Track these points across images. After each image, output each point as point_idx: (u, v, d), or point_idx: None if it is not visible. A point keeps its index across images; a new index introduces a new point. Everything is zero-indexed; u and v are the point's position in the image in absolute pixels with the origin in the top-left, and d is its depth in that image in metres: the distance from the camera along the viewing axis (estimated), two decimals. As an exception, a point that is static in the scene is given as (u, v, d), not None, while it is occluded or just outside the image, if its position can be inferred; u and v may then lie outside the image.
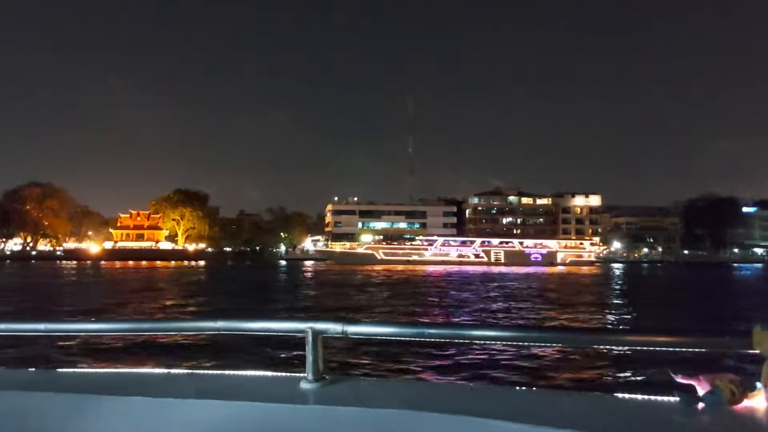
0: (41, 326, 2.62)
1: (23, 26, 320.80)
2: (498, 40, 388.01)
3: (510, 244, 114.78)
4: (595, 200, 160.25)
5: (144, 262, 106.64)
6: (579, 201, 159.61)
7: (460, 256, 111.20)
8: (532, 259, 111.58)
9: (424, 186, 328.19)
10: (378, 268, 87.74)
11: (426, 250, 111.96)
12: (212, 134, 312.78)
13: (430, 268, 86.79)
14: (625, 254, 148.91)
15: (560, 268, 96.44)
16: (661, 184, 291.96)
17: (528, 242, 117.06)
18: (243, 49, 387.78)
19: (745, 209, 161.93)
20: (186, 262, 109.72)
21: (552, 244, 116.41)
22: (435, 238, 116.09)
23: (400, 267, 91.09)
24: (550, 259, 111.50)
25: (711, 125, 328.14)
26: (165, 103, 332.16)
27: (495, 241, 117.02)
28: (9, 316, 19.59)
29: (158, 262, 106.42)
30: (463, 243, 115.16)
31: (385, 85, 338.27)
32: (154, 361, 13.16)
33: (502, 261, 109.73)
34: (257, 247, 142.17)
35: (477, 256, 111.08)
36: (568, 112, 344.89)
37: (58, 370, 2.65)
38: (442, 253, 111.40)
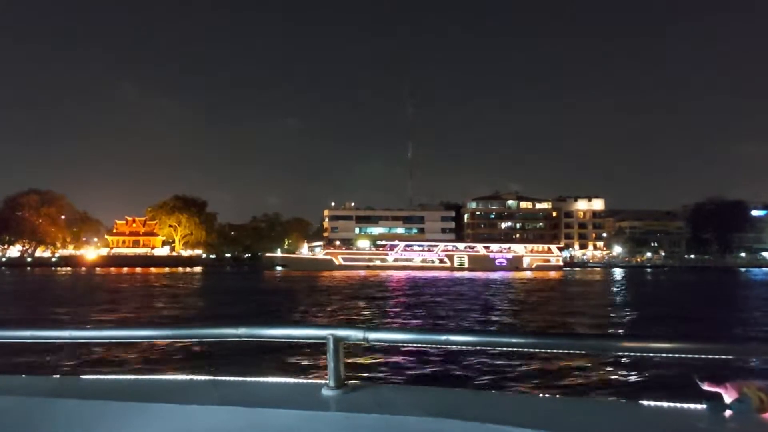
0: (66, 333, 2.65)
1: (22, 32, 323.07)
2: (500, 43, 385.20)
3: (474, 249, 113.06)
4: (598, 204, 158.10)
5: (138, 269, 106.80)
6: (582, 205, 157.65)
7: (424, 261, 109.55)
8: (497, 264, 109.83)
9: (428, 190, 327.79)
10: (337, 274, 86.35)
11: (387, 255, 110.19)
12: (220, 140, 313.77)
13: (391, 274, 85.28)
14: (626, 259, 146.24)
15: (527, 273, 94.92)
16: (671, 188, 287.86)
17: (494, 246, 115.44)
18: (244, 55, 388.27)
19: (754, 213, 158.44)
20: (181, 269, 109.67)
21: (518, 249, 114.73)
22: (396, 243, 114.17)
23: (362, 272, 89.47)
24: (515, 263, 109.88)
25: (723, 128, 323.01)
26: (174, 109, 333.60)
27: (461, 245, 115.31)
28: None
29: (152, 269, 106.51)
30: (427, 247, 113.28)
31: (387, 89, 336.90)
32: (177, 367, 13.20)
33: (466, 266, 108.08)
34: (258, 253, 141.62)
35: (441, 261, 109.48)
36: (578, 116, 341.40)
37: (82, 376, 2.71)
38: (404, 258, 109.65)
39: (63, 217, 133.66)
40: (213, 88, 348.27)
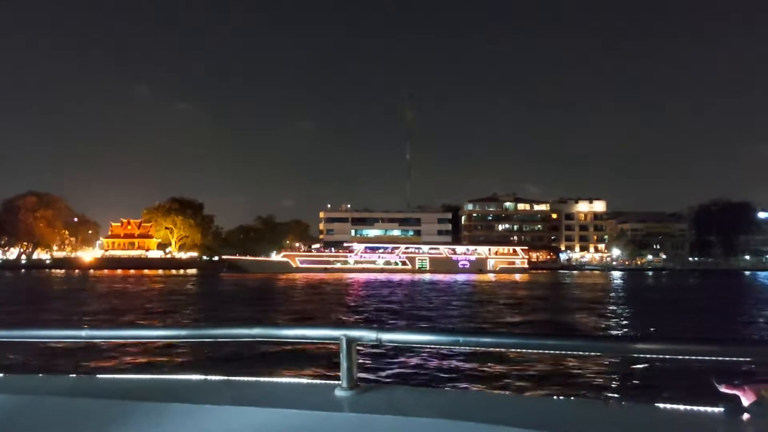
0: (83, 333, 2.72)
1: (22, 33, 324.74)
2: (501, 44, 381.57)
3: (437, 251, 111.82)
4: (599, 206, 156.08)
5: (132, 271, 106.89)
6: (583, 207, 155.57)
7: (387, 263, 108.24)
8: (460, 266, 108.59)
9: (428, 192, 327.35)
10: (296, 276, 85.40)
11: (347, 257, 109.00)
12: (230, 142, 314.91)
13: (349, 276, 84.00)
14: (626, 261, 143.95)
15: (490, 276, 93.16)
16: (681, 190, 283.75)
17: (460, 248, 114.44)
18: (245, 57, 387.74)
19: (761, 215, 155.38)
20: (174, 271, 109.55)
21: (483, 251, 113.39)
22: (355, 245, 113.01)
23: (325, 276, 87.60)
24: (479, 266, 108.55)
25: (732, 129, 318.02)
26: (181, 111, 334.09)
27: (425, 247, 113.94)
28: None
29: (146, 271, 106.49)
30: (388, 249, 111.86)
31: (387, 90, 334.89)
32: (191, 367, 13.30)
33: (427, 268, 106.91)
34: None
35: (404, 263, 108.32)
36: (581, 117, 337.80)
37: (98, 376, 2.79)
38: (365, 260, 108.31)
39: (60, 219, 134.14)
40: (215, 90, 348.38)
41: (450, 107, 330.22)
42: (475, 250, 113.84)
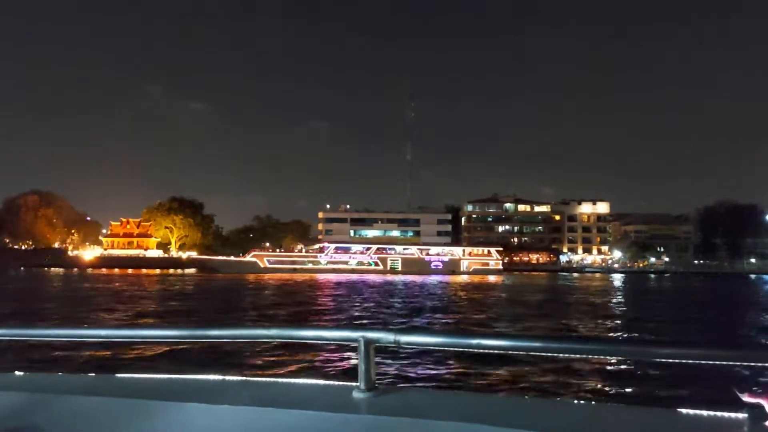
0: (102, 332, 2.77)
1: (23, 34, 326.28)
2: (502, 44, 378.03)
3: (409, 251, 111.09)
4: (603, 207, 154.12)
5: (130, 270, 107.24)
6: (586, 208, 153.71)
7: (360, 263, 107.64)
8: (433, 267, 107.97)
9: (429, 193, 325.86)
10: (265, 276, 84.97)
11: (315, 257, 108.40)
12: (235, 141, 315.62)
13: (320, 277, 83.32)
14: (627, 264, 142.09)
15: (463, 277, 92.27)
16: (686, 191, 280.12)
17: (434, 249, 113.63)
18: (245, 58, 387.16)
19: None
20: (172, 270, 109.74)
21: (457, 252, 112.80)
22: (326, 245, 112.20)
23: (287, 276, 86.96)
24: (452, 267, 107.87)
25: (741, 130, 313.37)
26: (183, 110, 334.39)
27: (399, 247, 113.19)
28: None
29: (144, 270, 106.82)
30: (363, 249, 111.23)
31: (387, 90, 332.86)
32: (209, 367, 13.31)
33: (400, 269, 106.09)
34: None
35: (376, 263, 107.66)
36: (587, 119, 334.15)
37: (116, 375, 2.79)
38: (337, 260, 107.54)
39: (61, 218, 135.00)
40: (216, 89, 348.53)
41: (450, 107, 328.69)
42: (450, 251, 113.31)
